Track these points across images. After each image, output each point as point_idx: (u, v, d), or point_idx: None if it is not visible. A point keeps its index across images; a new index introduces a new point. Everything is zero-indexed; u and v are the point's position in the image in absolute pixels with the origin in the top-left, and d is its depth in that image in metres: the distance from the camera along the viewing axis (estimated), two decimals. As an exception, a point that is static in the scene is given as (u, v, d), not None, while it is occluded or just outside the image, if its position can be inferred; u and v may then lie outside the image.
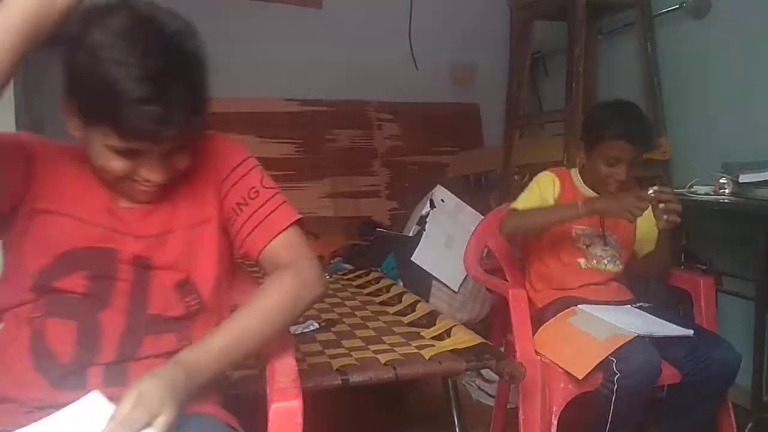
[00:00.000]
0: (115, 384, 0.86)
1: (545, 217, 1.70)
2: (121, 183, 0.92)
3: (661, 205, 1.52)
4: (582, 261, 1.76)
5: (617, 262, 1.78)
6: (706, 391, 1.55)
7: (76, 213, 0.92)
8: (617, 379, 1.44)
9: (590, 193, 1.78)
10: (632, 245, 1.82)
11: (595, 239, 1.77)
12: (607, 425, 1.48)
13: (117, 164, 0.88)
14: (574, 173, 1.83)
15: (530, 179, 2.67)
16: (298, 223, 1.02)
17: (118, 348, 0.90)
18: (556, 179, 1.79)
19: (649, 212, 1.58)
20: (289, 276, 0.96)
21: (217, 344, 0.89)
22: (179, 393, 0.81)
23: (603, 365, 1.49)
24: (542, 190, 1.77)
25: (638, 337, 1.50)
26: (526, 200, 1.77)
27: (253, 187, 1.02)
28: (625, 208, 1.53)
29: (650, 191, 1.53)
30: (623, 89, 2.83)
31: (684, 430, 1.60)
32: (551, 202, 1.76)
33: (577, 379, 1.53)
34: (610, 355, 1.47)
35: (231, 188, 1.02)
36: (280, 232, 0.99)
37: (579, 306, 1.68)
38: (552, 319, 1.68)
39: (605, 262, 1.77)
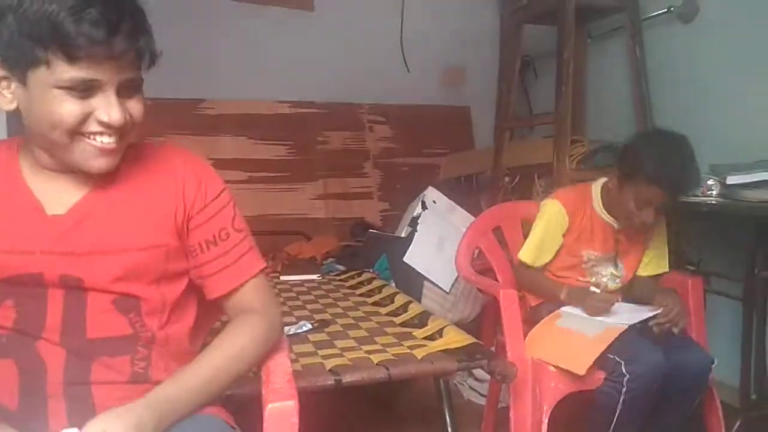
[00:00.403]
0: (80, 415, 0.83)
1: (538, 289, 1.80)
2: (75, 143, 0.84)
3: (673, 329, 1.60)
4: (580, 278, 1.77)
5: (617, 281, 1.78)
6: (680, 393, 1.57)
7: None
8: (627, 381, 1.46)
9: (607, 218, 1.75)
10: (635, 270, 1.82)
11: (604, 262, 1.76)
12: (612, 425, 1.50)
13: (70, 108, 0.81)
14: (595, 190, 1.77)
15: (521, 181, 2.74)
16: (263, 269, 1.02)
17: (64, 380, 0.85)
18: (565, 213, 1.74)
19: (661, 239, 1.79)
20: (260, 320, 0.98)
21: (190, 384, 0.88)
22: None
23: (607, 365, 1.51)
24: (549, 232, 1.74)
25: (631, 330, 1.53)
26: (534, 248, 1.76)
27: (223, 228, 0.98)
28: (590, 307, 1.66)
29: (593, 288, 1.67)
30: (612, 92, 2.87)
31: (662, 430, 1.62)
32: (558, 242, 1.75)
33: (568, 378, 1.55)
34: (616, 356, 1.49)
35: (204, 222, 0.97)
36: (249, 279, 0.99)
37: (562, 309, 1.72)
38: (540, 323, 1.71)
39: (604, 280, 1.77)
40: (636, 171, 1.60)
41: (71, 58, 0.78)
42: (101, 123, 0.84)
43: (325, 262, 2.69)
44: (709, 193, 1.95)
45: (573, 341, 1.58)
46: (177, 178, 0.96)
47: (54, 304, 0.87)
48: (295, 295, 2.17)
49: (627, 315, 1.63)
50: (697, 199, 1.97)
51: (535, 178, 2.65)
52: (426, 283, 2.47)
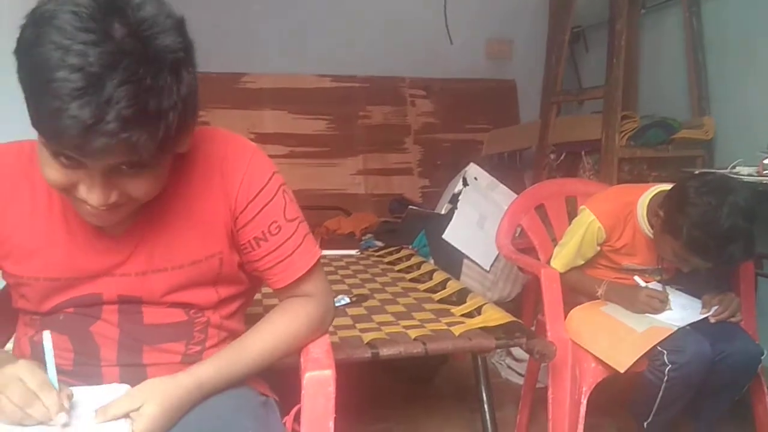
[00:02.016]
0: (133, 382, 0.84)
1: (575, 288, 1.71)
2: (71, 198, 0.77)
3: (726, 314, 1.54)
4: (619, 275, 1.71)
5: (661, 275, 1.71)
6: (723, 383, 1.51)
7: (55, 274, 0.86)
8: (668, 370, 1.42)
9: (650, 234, 1.60)
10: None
11: (648, 270, 1.68)
12: (653, 410, 1.48)
13: (54, 174, 0.73)
14: (642, 204, 1.61)
15: (567, 158, 2.66)
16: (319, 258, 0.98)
17: (117, 361, 0.87)
18: (603, 230, 1.62)
19: None
20: (316, 306, 0.97)
21: (242, 369, 0.89)
22: (179, 416, 0.80)
23: (650, 353, 1.46)
24: (584, 246, 1.65)
25: (680, 328, 1.48)
26: (566, 258, 1.68)
27: (274, 221, 0.91)
28: (636, 307, 1.58)
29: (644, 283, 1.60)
30: (666, 66, 2.75)
31: (706, 417, 1.59)
32: (593, 251, 1.67)
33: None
34: (659, 345, 1.45)
35: (252, 219, 0.90)
36: (305, 273, 0.95)
37: None
38: (583, 306, 1.67)
39: (646, 275, 1.70)
40: (676, 231, 1.44)
41: (44, 135, 0.70)
42: (82, 198, 0.75)
43: (363, 238, 2.70)
44: (765, 172, 1.86)
45: (618, 333, 1.53)
46: (219, 173, 0.89)
47: (110, 307, 0.88)
48: (333, 269, 2.18)
49: (677, 312, 1.56)
50: (752, 179, 1.88)
51: (582, 155, 2.58)
52: (465, 261, 2.45)
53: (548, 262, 1.74)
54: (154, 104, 0.67)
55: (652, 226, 1.59)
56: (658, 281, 1.67)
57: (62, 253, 0.85)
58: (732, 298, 1.56)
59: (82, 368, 0.86)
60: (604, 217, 1.63)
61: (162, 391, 0.80)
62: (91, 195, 0.73)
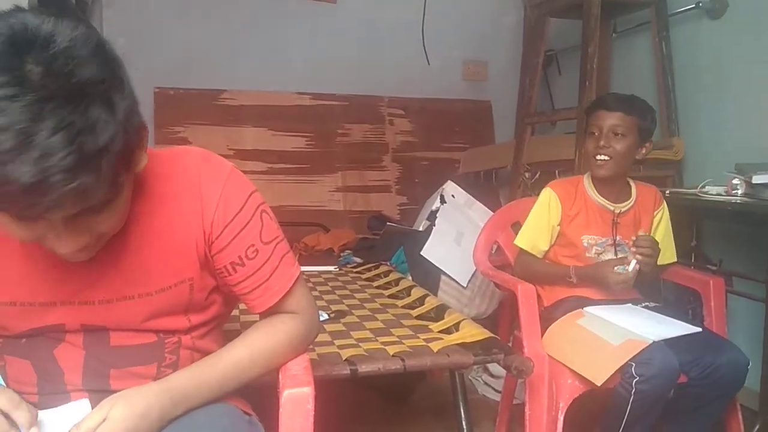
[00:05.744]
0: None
1: (545, 276, 1.81)
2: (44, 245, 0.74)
3: (637, 254, 1.63)
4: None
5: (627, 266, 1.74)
6: (713, 395, 1.54)
7: (13, 297, 0.82)
8: (636, 383, 1.44)
9: (599, 199, 1.78)
10: None
11: (607, 247, 1.76)
12: (622, 424, 1.49)
13: (19, 232, 0.68)
14: (587, 179, 1.83)
15: (541, 177, 2.71)
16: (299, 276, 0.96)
17: (83, 381, 0.83)
18: (556, 199, 1.79)
19: (665, 228, 1.82)
20: (299, 322, 0.96)
21: (215, 378, 0.86)
22: (152, 424, 0.78)
23: (622, 366, 1.49)
24: (543, 217, 1.79)
25: (654, 342, 1.50)
26: (529, 233, 1.81)
27: (251, 245, 0.88)
28: (609, 281, 1.65)
29: (630, 267, 1.63)
30: (637, 88, 2.82)
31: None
32: (552, 227, 1.79)
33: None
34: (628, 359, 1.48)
35: (228, 244, 0.87)
36: (285, 294, 0.93)
37: (585, 309, 1.69)
38: (559, 321, 1.69)
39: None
40: (586, 116, 1.81)
41: None
42: (52, 249, 0.72)
43: (342, 254, 2.69)
44: (734, 192, 1.91)
45: (594, 347, 1.55)
46: (193, 195, 0.86)
47: (75, 335, 0.85)
48: (312, 285, 2.17)
49: (654, 327, 1.59)
50: (721, 198, 1.94)
51: (556, 174, 2.62)
52: (443, 277, 2.46)
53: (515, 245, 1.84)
54: (92, 143, 0.62)
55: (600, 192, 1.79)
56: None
57: (19, 276, 0.82)
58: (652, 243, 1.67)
59: (48, 399, 0.83)
60: (557, 186, 1.83)
61: (129, 394, 0.79)
62: (59, 244, 0.71)
